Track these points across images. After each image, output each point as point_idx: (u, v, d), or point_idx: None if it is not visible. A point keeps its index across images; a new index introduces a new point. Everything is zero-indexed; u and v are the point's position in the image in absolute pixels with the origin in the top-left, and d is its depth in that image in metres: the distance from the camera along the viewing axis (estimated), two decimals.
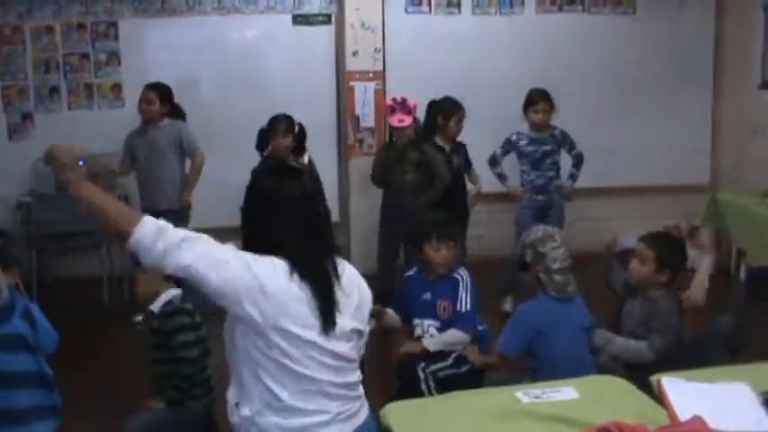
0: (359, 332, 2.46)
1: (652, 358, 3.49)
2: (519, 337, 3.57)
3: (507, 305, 5.88)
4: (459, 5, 7.11)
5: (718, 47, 7.56)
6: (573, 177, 6.09)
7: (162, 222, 2.23)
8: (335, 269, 2.41)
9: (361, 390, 2.50)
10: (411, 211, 5.46)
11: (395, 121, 5.68)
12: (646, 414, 2.53)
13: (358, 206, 5.80)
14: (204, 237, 2.27)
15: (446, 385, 3.57)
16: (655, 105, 7.45)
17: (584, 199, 7.07)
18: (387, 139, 5.92)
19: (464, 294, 3.82)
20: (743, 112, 7.35)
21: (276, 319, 2.25)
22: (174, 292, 3.58)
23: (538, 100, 5.86)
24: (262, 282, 2.24)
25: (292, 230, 2.35)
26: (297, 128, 5.71)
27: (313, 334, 2.31)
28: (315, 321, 2.31)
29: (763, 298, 5.85)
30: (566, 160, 6.08)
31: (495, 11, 7.17)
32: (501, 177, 6.04)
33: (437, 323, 3.84)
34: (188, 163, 5.93)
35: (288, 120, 5.67)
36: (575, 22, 7.27)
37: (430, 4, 7.08)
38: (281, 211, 2.36)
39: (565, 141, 6.00)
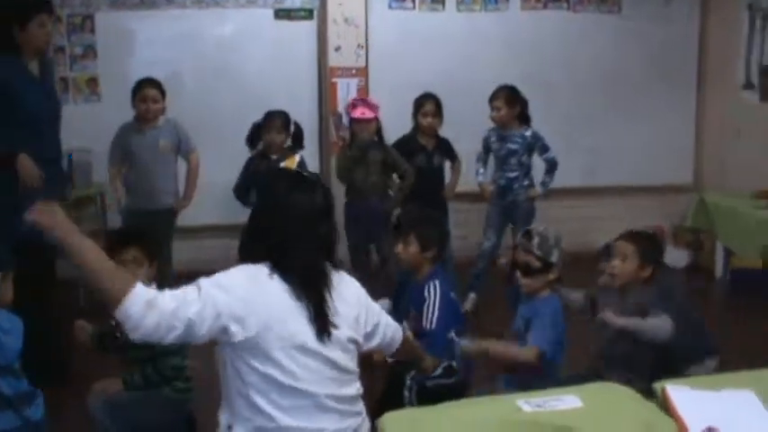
0: (356, 342, 2.41)
1: (673, 328, 3.25)
2: (553, 338, 3.31)
3: (469, 304, 5.83)
4: (443, 2, 7.03)
5: (703, 46, 7.57)
6: (544, 184, 5.82)
7: (152, 294, 2.12)
8: (328, 278, 2.38)
9: (361, 405, 2.43)
10: (376, 213, 5.52)
11: (357, 113, 5.52)
12: (653, 423, 2.44)
13: (339, 203, 5.67)
14: (189, 292, 2.20)
15: (429, 396, 3.34)
16: (639, 104, 7.43)
17: (566, 198, 7.02)
18: (348, 139, 5.79)
19: (430, 312, 3.52)
20: (726, 112, 7.34)
21: (262, 323, 2.21)
22: None
23: (493, 98, 5.72)
24: (238, 297, 2.22)
25: (291, 238, 2.33)
26: (293, 126, 5.55)
27: (306, 338, 2.26)
28: (307, 325, 2.27)
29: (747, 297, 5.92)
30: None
31: (479, 8, 7.09)
32: (477, 174, 5.97)
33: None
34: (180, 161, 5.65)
35: (284, 116, 5.48)
36: (560, 20, 7.22)
37: (414, 0, 6.98)
38: (283, 218, 2.35)
39: (536, 144, 5.75)
